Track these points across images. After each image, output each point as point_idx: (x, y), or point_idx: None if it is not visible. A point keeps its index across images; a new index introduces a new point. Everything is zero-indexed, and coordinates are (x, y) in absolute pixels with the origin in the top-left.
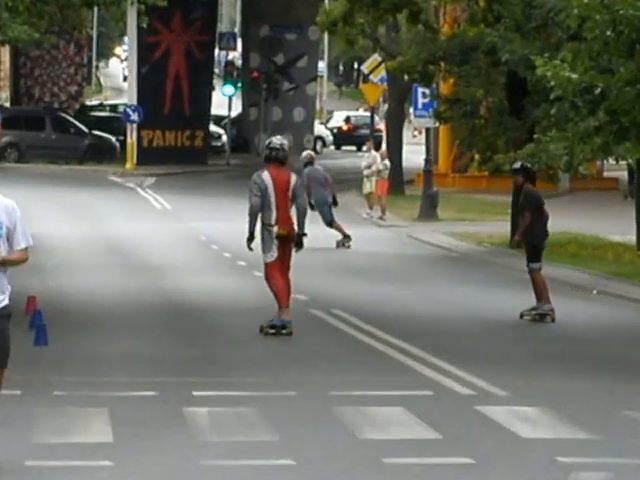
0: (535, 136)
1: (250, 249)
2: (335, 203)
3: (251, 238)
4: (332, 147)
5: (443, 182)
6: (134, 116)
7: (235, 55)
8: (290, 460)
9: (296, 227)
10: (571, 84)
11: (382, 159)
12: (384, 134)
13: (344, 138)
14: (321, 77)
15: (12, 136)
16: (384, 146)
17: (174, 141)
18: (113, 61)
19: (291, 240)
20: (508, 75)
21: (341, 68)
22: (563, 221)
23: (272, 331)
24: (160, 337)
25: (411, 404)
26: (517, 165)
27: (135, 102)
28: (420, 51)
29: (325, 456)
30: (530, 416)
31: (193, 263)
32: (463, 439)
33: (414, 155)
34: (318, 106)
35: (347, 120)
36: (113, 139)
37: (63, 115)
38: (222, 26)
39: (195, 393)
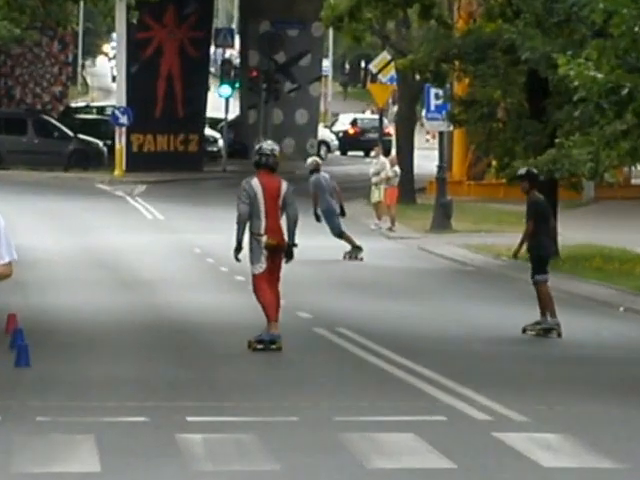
0: (557, 141)
1: (237, 260)
2: (343, 213)
3: (239, 248)
4: (337, 152)
5: (457, 190)
6: (123, 119)
7: (232, 53)
8: None
9: (286, 237)
10: (596, 84)
11: (392, 165)
12: (394, 138)
13: (350, 143)
14: (325, 77)
15: None
16: (394, 151)
17: (166, 146)
18: (100, 59)
19: (281, 251)
20: (528, 75)
21: (347, 67)
22: (587, 233)
23: (260, 346)
24: (151, 358)
25: (423, 430)
26: (522, 171)
27: (124, 104)
28: (433, 49)
29: None
30: (552, 443)
31: (187, 278)
32: (479, 469)
33: (426, 161)
34: (322, 108)
35: (354, 123)
36: (100, 144)
37: (46, 118)
38: (218, 21)
39: (189, 418)
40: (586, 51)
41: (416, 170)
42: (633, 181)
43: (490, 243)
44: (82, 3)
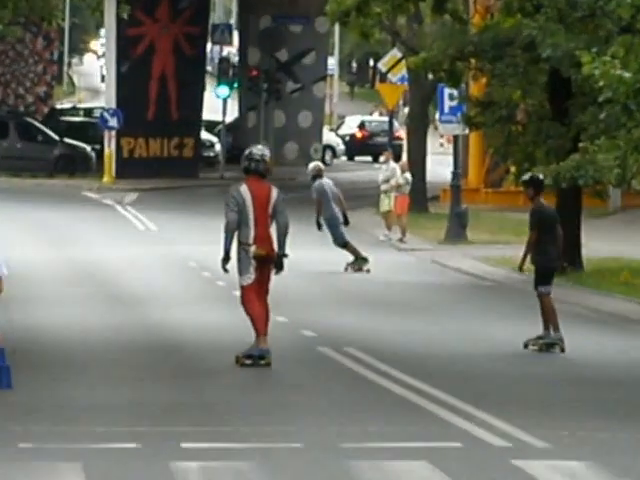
0: (581, 145)
1: (225, 271)
2: (346, 222)
3: (226, 258)
4: (344, 158)
5: (474, 198)
6: (112, 122)
7: (231, 50)
8: None
9: (276, 247)
10: (623, 84)
11: (402, 172)
12: (405, 143)
13: (358, 147)
14: (331, 76)
15: None
16: (405, 157)
17: (159, 151)
18: (88, 57)
19: (270, 261)
20: (549, 74)
21: (354, 66)
22: (614, 244)
23: (249, 362)
24: (143, 379)
25: (437, 458)
26: (526, 177)
27: (114, 105)
28: (447, 46)
29: None
30: (575, 472)
31: (181, 293)
32: None
33: (440, 167)
34: (327, 110)
35: (361, 126)
36: (88, 148)
37: (30, 120)
38: (215, 16)
39: (184, 445)
40: (612, 48)
41: (429, 177)
42: None
43: (509, 255)
44: None
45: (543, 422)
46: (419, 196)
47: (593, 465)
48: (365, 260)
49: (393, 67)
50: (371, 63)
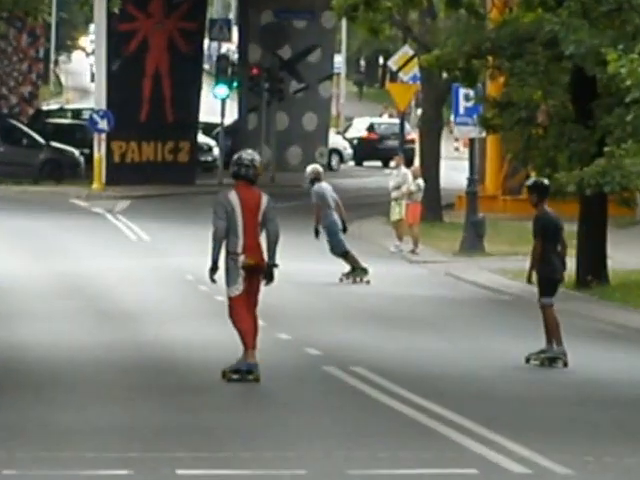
0: (606, 149)
1: (213, 281)
2: (344, 229)
3: (214, 268)
4: (351, 163)
5: (491, 206)
6: (102, 124)
7: (230, 47)
8: None
9: (266, 256)
10: None
11: (414, 178)
12: (417, 146)
13: (367, 151)
14: (338, 75)
15: None
16: (417, 162)
17: (153, 155)
18: (77, 55)
19: (260, 271)
20: (573, 72)
21: (363, 64)
22: None
23: (236, 376)
24: (135, 401)
25: None
26: (530, 182)
27: (104, 106)
28: (462, 42)
29: None
30: None
31: (176, 308)
32: None
33: (455, 173)
34: (334, 111)
35: (370, 129)
36: (76, 153)
37: (13, 123)
38: (213, 11)
39: (179, 472)
40: None
41: (443, 183)
42: None
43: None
44: None
45: (563, 446)
46: (432, 204)
47: None
48: (365, 271)
49: (404, 65)
50: (381, 61)
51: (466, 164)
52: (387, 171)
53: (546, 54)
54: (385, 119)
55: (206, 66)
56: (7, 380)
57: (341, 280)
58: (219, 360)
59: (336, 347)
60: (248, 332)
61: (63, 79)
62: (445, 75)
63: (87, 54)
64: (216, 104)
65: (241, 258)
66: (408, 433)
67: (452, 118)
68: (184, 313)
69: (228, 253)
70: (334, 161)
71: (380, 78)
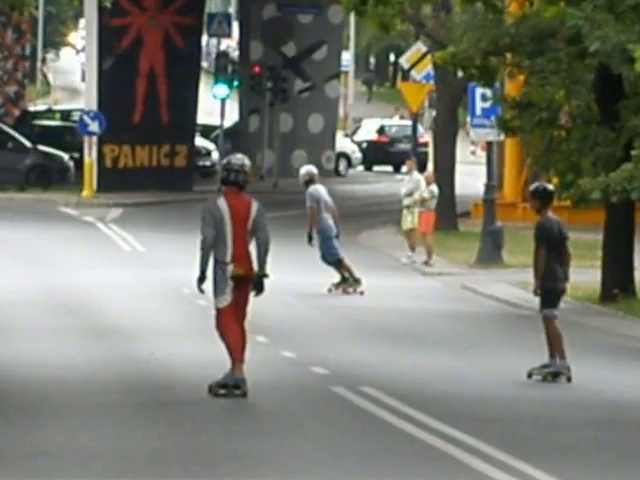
0: (634, 153)
1: (201, 291)
2: (337, 235)
3: (202, 278)
4: (360, 168)
5: (510, 215)
6: (93, 126)
7: (230, 44)
8: None
9: (256, 266)
10: None
11: (428, 184)
12: (430, 150)
13: (377, 155)
14: (346, 74)
15: None
16: (430, 166)
17: (147, 160)
18: (66, 52)
19: (249, 282)
20: (597, 70)
21: (372, 62)
22: None
23: (223, 391)
24: (129, 423)
25: None
26: (532, 187)
27: (95, 107)
28: (479, 38)
29: None
30: None
31: (173, 324)
32: None
33: (471, 178)
34: (341, 112)
35: (381, 131)
36: (65, 157)
37: None
38: (212, 5)
39: None
40: None
41: (458, 190)
42: None
43: None
44: None
45: (589, 473)
46: (447, 212)
47: None
48: (358, 282)
49: (417, 63)
50: (392, 59)
51: (483, 169)
52: (399, 177)
53: (569, 51)
54: (396, 121)
55: (204, 64)
56: None
57: (330, 291)
58: (218, 377)
59: (344, 366)
60: (236, 345)
61: (51, 78)
62: (461, 73)
63: (77, 51)
64: (215, 105)
65: (230, 268)
66: (422, 458)
67: (468, 120)
68: (180, 328)
69: (216, 262)
70: (342, 166)
71: (391, 77)
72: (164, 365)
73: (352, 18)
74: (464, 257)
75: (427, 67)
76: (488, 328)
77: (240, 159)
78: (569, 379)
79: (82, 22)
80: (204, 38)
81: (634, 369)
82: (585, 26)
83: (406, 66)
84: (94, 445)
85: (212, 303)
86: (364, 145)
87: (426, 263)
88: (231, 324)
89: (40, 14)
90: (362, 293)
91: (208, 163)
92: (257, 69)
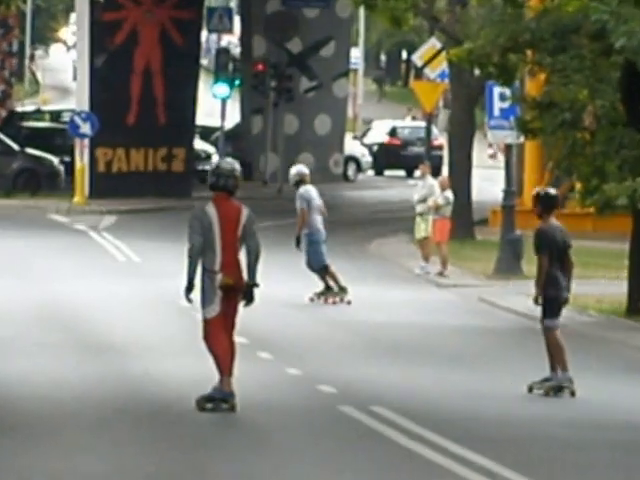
0: None
1: (189, 301)
2: (325, 240)
3: (190, 287)
4: (370, 172)
5: (530, 222)
6: (85, 128)
7: (231, 40)
8: None
9: (245, 275)
10: None
11: (442, 189)
12: (445, 153)
13: (388, 159)
14: (355, 71)
15: None
16: (445, 171)
17: (143, 164)
18: (55, 49)
19: (238, 291)
20: (624, 68)
21: (383, 59)
22: None
23: (210, 405)
24: (125, 445)
25: None
26: (534, 191)
27: (86, 107)
28: (497, 34)
29: None
30: None
31: (170, 339)
32: None
33: (489, 184)
34: (350, 113)
35: (392, 133)
36: (55, 161)
37: None
38: None
39: None
40: None
41: (475, 196)
42: None
43: (574, 293)
44: None
45: None
46: (463, 219)
47: None
48: (344, 290)
49: (431, 61)
50: (404, 56)
51: (501, 174)
52: (411, 182)
53: (593, 47)
54: (409, 122)
55: (204, 61)
56: None
57: (312, 300)
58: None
59: (353, 384)
60: (224, 357)
61: (40, 76)
62: (478, 72)
63: (67, 48)
64: (215, 105)
65: (219, 276)
66: None
67: (486, 121)
68: (177, 343)
69: (205, 271)
70: (351, 170)
71: (403, 75)
72: (160, 383)
73: (362, 12)
74: (481, 268)
75: (442, 65)
76: (507, 343)
77: (230, 163)
78: (572, 393)
79: (73, 16)
80: (203, 34)
81: None
82: (610, 21)
83: (419, 64)
84: (86, 468)
85: None
86: (374, 148)
87: (441, 274)
88: (219, 335)
89: (28, 8)
90: (349, 302)
91: (208, 167)
92: (260, 67)
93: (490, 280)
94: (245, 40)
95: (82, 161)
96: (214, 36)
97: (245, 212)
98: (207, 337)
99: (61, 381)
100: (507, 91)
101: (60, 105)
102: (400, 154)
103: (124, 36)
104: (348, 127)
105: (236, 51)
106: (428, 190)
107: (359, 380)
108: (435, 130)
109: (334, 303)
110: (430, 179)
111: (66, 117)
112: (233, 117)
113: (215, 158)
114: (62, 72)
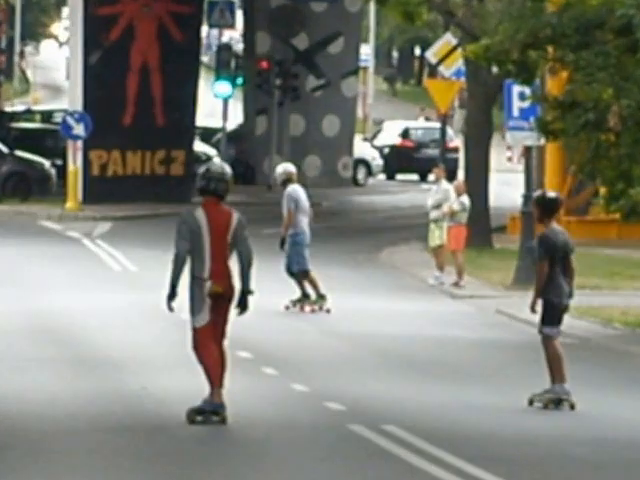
0: None
1: (170, 309)
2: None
3: (172, 295)
4: (381, 176)
5: None
6: (78, 129)
7: (233, 36)
8: None
9: (237, 283)
10: None
11: (458, 195)
12: (461, 156)
13: (400, 162)
14: (365, 69)
15: None
16: (461, 175)
17: (140, 167)
18: (47, 45)
19: (228, 299)
20: None
21: (395, 56)
22: None
23: (200, 418)
24: (121, 467)
25: None
26: (535, 195)
27: (80, 107)
28: (516, 30)
29: None
30: None
31: (168, 354)
32: None
33: (507, 188)
34: (360, 113)
35: (405, 135)
36: (47, 164)
37: None
38: None
39: None
40: None
41: (493, 201)
42: None
43: (597, 305)
44: None
45: None
46: (480, 226)
47: None
48: (323, 298)
49: (446, 58)
50: (417, 52)
51: (521, 178)
52: (425, 186)
53: (618, 43)
54: (422, 123)
55: (204, 58)
56: None
57: (287, 308)
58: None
59: (363, 401)
60: (214, 368)
61: (30, 74)
62: (495, 69)
63: (60, 44)
64: (217, 105)
65: (207, 284)
66: None
67: (504, 122)
68: (177, 359)
69: (193, 278)
70: (360, 174)
71: (416, 73)
72: (157, 399)
73: (372, 6)
74: (499, 278)
75: (457, 62)
76: (525, 358)
77: (220, 167)
78: (572, 406)
79: (65, 11)
80: (204, 29)
81: None
82: (636, 15)
83: (433, 61)
84: None
85: None
86: (386, 150)
87: (456, 284)
88: (209, 345)
89: (18, 1)
90: (328, 311)
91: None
92: (264, 64)
93: (508, 291)
94: (248, 36)
95: (75, 164)
96: (215, 31)
97: (235, 217)
98: (197, 347)
99: (51, 399)
100: (527, 90)
101: (52, 105)
102: (413, 157)
103: (120, 31)
104: (358, 128)
105: (238, 47)
106: (443, 195)
107: (369, 397)
108: (450, 131)
109: (312, 311)
110: (445, 183)
111: (58, 117)
112: (235, 117)
113: (216, 161)
114: (54, 70)
